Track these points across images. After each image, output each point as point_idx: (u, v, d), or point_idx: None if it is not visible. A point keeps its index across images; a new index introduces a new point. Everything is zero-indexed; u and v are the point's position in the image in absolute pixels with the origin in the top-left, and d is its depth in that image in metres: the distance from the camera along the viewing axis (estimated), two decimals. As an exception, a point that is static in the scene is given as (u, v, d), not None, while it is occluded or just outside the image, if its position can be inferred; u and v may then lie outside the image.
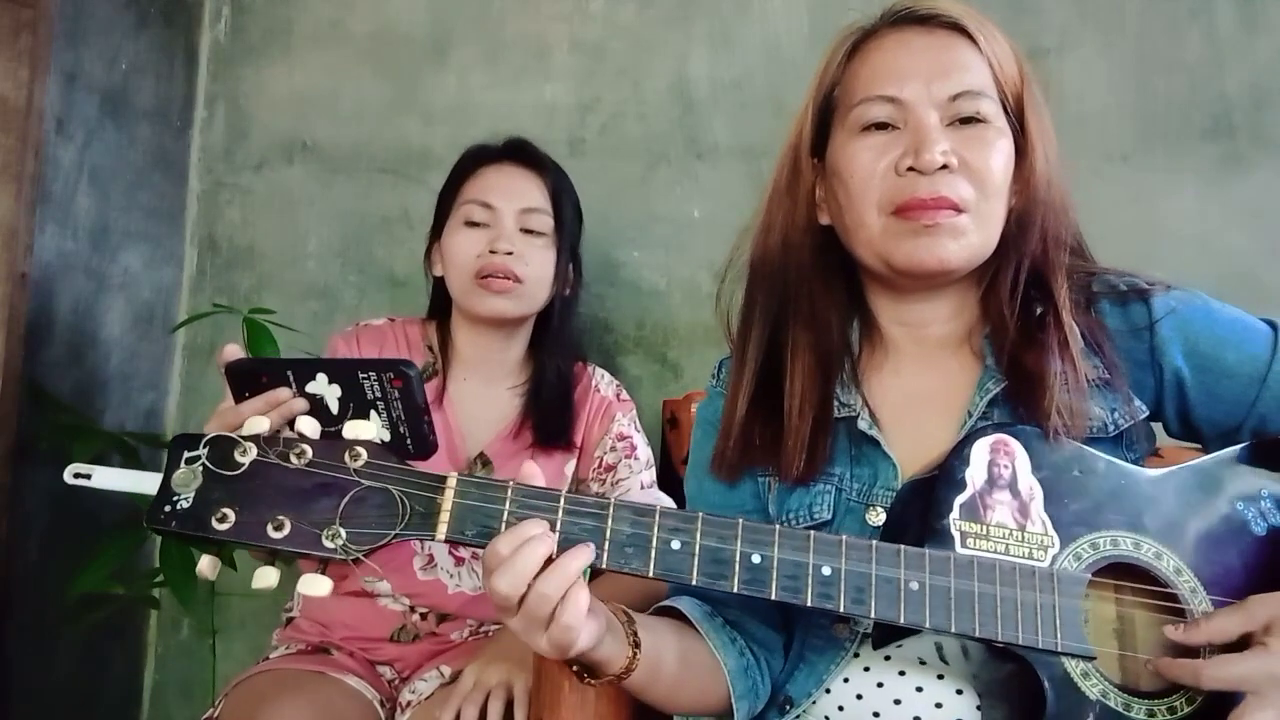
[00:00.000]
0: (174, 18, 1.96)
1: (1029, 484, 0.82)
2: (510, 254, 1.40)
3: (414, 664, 1.40)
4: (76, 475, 0.80)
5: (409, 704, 1.32)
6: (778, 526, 0.78)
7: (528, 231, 1.43)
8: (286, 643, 1.42)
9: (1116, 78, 1.69)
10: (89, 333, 1.76)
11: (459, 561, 1.41)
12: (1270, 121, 1.63)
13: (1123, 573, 0.82)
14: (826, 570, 0.77)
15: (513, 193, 1.44)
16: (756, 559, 0.76)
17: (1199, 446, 0.94)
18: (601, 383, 1.53)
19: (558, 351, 1.49)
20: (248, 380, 1.00)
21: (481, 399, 1.47)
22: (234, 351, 1.02)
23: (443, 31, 1.95)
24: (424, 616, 1.41)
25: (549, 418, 1.45)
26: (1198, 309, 0.92)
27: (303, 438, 0.76)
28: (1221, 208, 1.63)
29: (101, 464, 1.75)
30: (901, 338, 0.98)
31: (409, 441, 0.97)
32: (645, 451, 1.48)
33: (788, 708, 0.93)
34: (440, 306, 1.52)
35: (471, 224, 1.43)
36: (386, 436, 0.97)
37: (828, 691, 0.91)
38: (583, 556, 0.75)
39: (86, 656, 1.78)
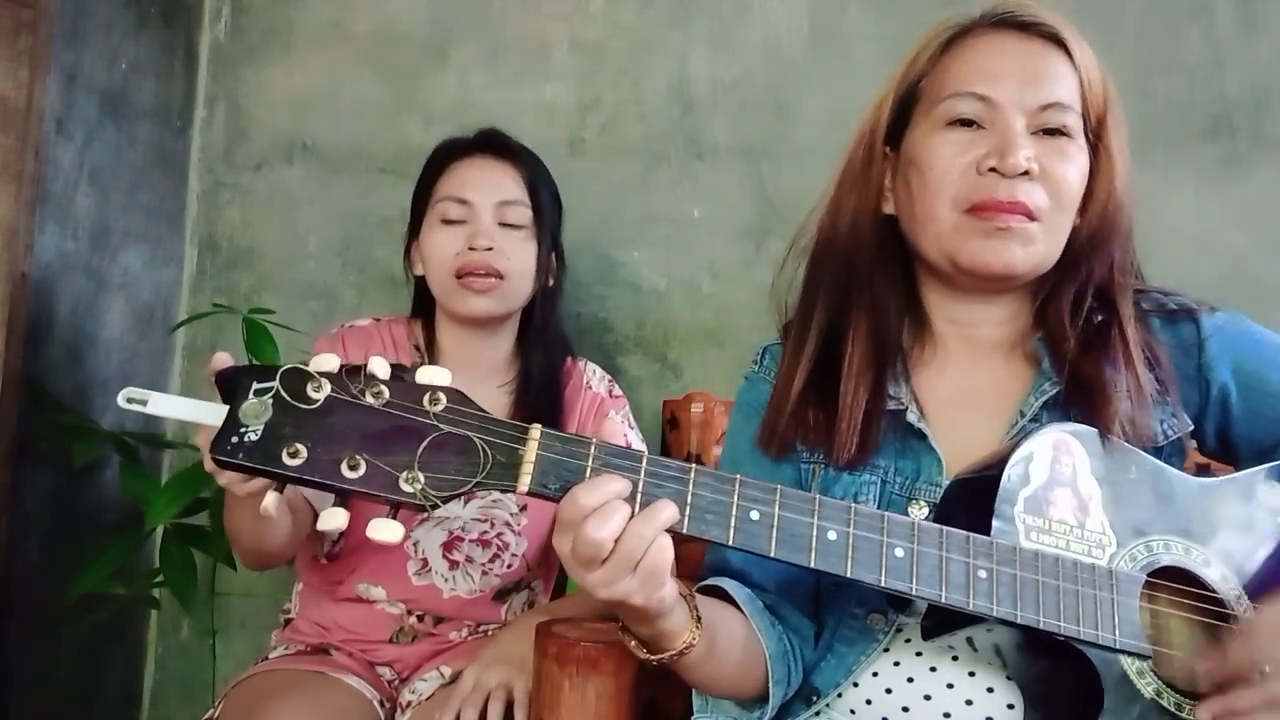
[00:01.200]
0: (174, 18, 1.96)
1: (1089, 483, 0.83)
2: (490, 250, 1.37)
3: (413, 664, 1.40)
4: (130, 400, 0.75)
5: (409, 704, 1.32)
6: (852, 504, 0.78)
7: (506, 225, 1.40)
8: (286, 643, 1.41)
9: (1117, 78, 1.68)
10: (89, 333, 1.76)
11: (453, 565, 1.40)
12: (1270, 121, 1.63)
13: (1167, 576, 0.83)
14: (900, 551, 0.77)
15: (488, 186, 1.41)
16: (832, 535, 0.76)
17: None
18: (593, 379, 1.51)
19: (543, 345, 1.46)
20: None
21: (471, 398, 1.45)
22: (224, 360, 1.01)
23: (443, 31, 1.95)
24: (420, 619, 1.41)
25: (539, 414, 1.40)
26: (1243, 330, 0.95)
27: (376, 378, 0.71)
28: (1221, 208, 1.63)
29: (101, 464, 1.76)
30: (952, 336, 0.99)
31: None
32: (640, 449, 1.47)
33: (814, 699, 0.93)
34: (424, 305, 1.49)
35: (448, 221, 1.40)
36: None
37: (855, 685, 0.91)
38: (670, 510, 0.74)
39: (86, 656, 1.78)
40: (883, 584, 0.76)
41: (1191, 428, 0.93)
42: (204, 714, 1.28)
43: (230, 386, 1.00)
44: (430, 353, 1.46)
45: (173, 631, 1.94)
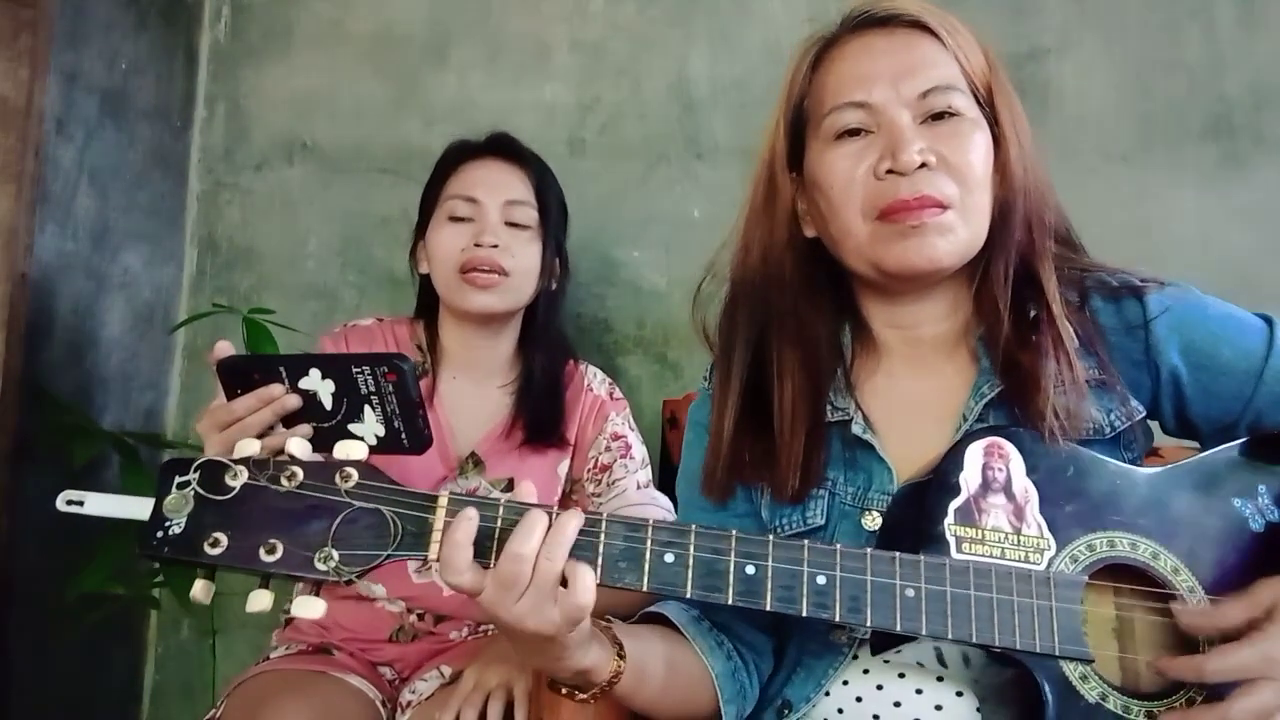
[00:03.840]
0: (174, 18, 1.96)
1: (1024, 486, 0.82)
2: (495, 247, 1.39)
3: (414, 664, 1.40)
4: (69, 503, 0.81)
5: (409, 704, 1.32)
6: (771, 537, 0.78)
7: (512, 225, 1.42)
8: (287, 643, 1.41)
9: (1116, 78, 1.69)
10: (89, 333, 1.76)
11: (456, 563, 1.40)
12: (1270, 121, 1.63)
13: (1121, 573, 0.82)
14: (821, 579, 0.76)
15: (496, 186, 1.43)
16: (751, 570, 0.76)
17: (1196, 445, 0.94)
18: (594, 381, 1.52)
19: (545, 346, 1.48)
20: (240, 377, 1.00)
21: (472, 398, 1.46)
22: (225, 349, 1.02)
23: (443, 31, 1.95)
24: (420, 617, 1.41)
25: (540, 415, 1.44)
26: (1192, 306, 0.92)
27: (293, 459, 0.76)
28: (1221, 208, 1.63)
29: (101, 464, 1.76)
30: (894, 340, 0.97)
31: (404, 436, 0.96)
32: (640, 451, 1.48)
33: (786, 712, 0.92)
34: (428, 305, 1.50)
35: (456, 219, 1.42)
36: (381, 431, 0.97)
37: (827, 694, 0.91)
38: (575, 521, 0.75)
39: (86, 656, 1.77)
40: (804, 613, 0.76)
41: (1143, 414, 0.90)
42: (205, 714, 1.28)
43: (230, 380, 1.01)
44: (433, 353, 1.47)
45: (173, 631, 1.94)
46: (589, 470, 1.46)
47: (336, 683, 1.30)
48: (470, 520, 0.74)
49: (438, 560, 0.75)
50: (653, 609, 0.95)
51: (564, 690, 0.84)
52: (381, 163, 1.94)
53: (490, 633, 1.42)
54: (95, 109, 1.75)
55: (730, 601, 0.75)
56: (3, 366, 1.49)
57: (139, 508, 0.78)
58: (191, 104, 2.02)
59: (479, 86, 1.92)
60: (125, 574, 1.64)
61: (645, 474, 1.46)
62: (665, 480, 1.50)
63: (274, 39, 2.02)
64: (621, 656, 0.82)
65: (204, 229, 2.01)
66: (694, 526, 0.77)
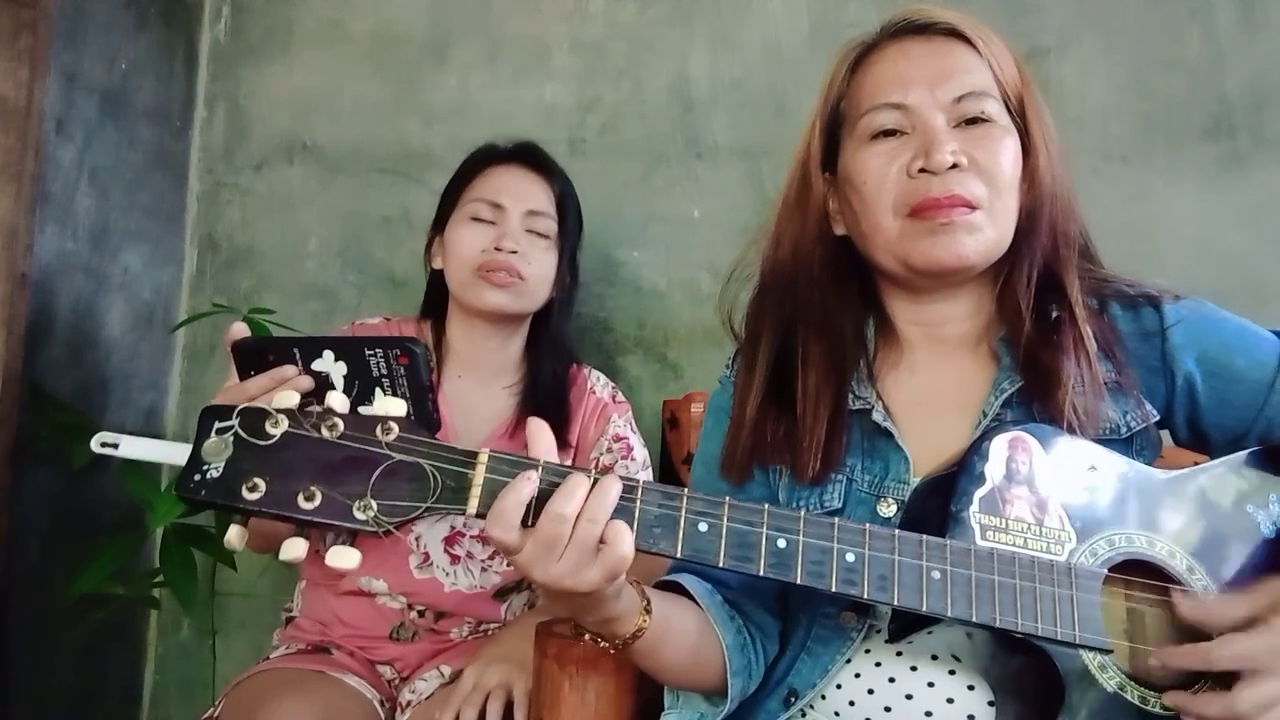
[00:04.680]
0: (174, 18, 1.96)
1: (1046, 480, 0.83)
2: (515, 253, 1.41)
3: (414, 664, 1.40)
4: (104, 444, 0.80)
5: (409, 704, 1.33)
6: (802, 512, 0.79)
7: (532, 233, 1.45)
8: (287, 642, 1.42)
9: (1116, 78, 1.69)
10: (89, 333, 1.76)
11: (454, 560, 1.41)
12: (1270, 121, 1.63)
13: (1135, 570, 0.83)
14: (850, 556, 0.77)
15: (520, 194, 1.45)
16: (782, 543, 0.77)
17: (1197, 455, 0.96)
18: (597, 385, 1.53)
19: (553, 352, 1.50)
20: (254, 358, 1.02)
21: (477, 397, 1.47)
22: (240, 330, 1.04)
23: (443, 31, 1.95)
24: (421, 614, 1.41)
25: (544, 416, 1.43)
26: (1207, 317, 0.95)
27: (333, 411, 0.76)
28: (1221, 208, 1.63)
29: (101, 464, 1.76)
30: (917, 337, 1.00)
31: (412, 419, 0.98)
32: (642, 453, 1.49)
33: (793, 700, 0.93)
34: (435, 304, 1.52)
35: (478, 220, 1.44)
36: None
37: (838, 686, 0.91)
38: (617, 485, 0.76)
39: (86, 657, 1.78)
40: (833, 589, 0.77)
41: (1158, 418, 0.93)
42: (204, 714, 1.28)
43: (244, 361, 1.03)
44: (439, 352, 1.48)
45: (173, 631, 1.94)
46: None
47: (335, 682, 1.30)
48: (532, 481, 0.75)
49: (476, 515, 0.75)
50: (667, 578, 0.96)
51: (587, 636, 0.86)
52: (381, 163, 1.94)
53: (490, 633, 1.42)
54: (95, 109, 1.75)
55: (761, 573, 0.77)
56: (3, 366, 1.49)
57: (175, 452, 0.78)
58: (191, 104, 2.02)
59: (479, 86, 1.92)
60: (125, 574, 1.64)
61: (647, 475, 1.47)
62: (665, 480, 1.50)
63: (274, 39, 2.02)
64: (648, 612, 0.84)
65: (204, 229, 2.01)
66: (727, 499, 0.78)
